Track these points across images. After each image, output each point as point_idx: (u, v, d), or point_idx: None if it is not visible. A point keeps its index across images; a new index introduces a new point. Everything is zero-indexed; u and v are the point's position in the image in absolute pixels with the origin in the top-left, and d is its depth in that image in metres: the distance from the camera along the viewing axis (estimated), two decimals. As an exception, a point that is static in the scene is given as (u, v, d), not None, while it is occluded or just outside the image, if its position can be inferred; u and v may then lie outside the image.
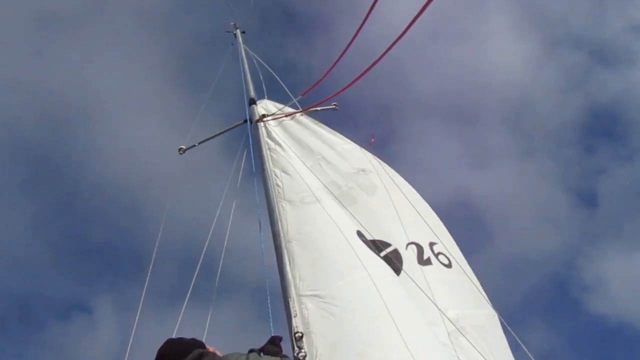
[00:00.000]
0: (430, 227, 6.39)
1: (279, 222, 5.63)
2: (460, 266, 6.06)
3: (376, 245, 5.73)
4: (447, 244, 6.29)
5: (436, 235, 6.36)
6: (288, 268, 5.07)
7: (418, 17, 4.21)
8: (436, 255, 6.02)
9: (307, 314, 4.70)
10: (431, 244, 6.13)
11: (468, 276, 5.99)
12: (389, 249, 5.81)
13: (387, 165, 7.24)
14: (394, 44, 4.43)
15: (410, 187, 7.08)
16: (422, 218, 6.44)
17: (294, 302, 4.76)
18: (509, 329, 5.13)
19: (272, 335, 4.14)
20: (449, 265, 6.00)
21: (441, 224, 6.61)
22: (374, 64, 4.81)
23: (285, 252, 5.24)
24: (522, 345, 4.73)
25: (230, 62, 10.01)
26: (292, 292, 4.92)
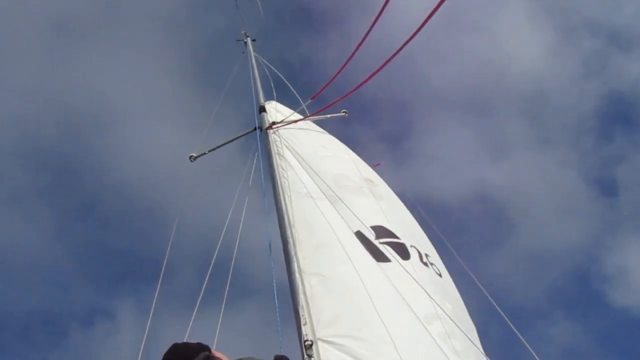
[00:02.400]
0: (425, 241, 7.05)
1: (284, 210, 5.92)
2: (449, 278, 6.67)
3: (382, 232, 6.15)
4: (437, 259, 6.84)
5: (429, 248, 6.95)
6: (295, 266, 5.23)
7: (428, 21, 4.13)
8: (430, 263, 6.49)
9: (309, 288, 5.01)
10: (426, 254, 6.58)
11: (454, 289, 6.61)
12: (395, 239, 6.23)
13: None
14: (402, 47, 4.36)
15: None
16: (421, 231, 7.15)
17: (303, 309, 4.71)
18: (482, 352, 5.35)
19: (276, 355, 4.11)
20: (440, 275, 6.48)
21: (430, 242, 7.17)
22: (382, 66, 4.77)
23: (289, 235, 5.56)
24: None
25: (243, 67, 10.00)
26: (302, 299, 4.96)
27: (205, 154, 7.88)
